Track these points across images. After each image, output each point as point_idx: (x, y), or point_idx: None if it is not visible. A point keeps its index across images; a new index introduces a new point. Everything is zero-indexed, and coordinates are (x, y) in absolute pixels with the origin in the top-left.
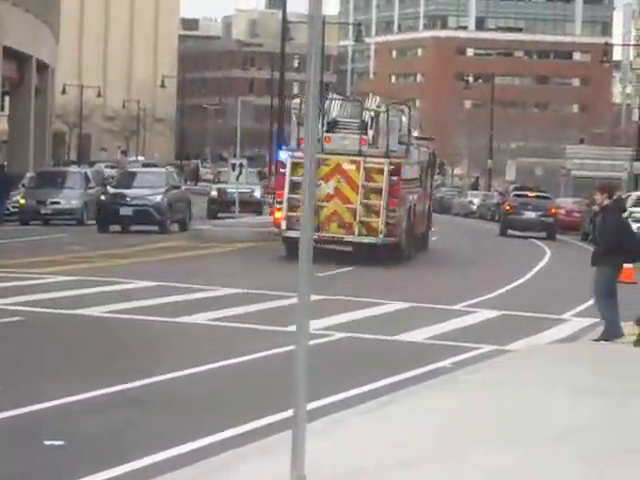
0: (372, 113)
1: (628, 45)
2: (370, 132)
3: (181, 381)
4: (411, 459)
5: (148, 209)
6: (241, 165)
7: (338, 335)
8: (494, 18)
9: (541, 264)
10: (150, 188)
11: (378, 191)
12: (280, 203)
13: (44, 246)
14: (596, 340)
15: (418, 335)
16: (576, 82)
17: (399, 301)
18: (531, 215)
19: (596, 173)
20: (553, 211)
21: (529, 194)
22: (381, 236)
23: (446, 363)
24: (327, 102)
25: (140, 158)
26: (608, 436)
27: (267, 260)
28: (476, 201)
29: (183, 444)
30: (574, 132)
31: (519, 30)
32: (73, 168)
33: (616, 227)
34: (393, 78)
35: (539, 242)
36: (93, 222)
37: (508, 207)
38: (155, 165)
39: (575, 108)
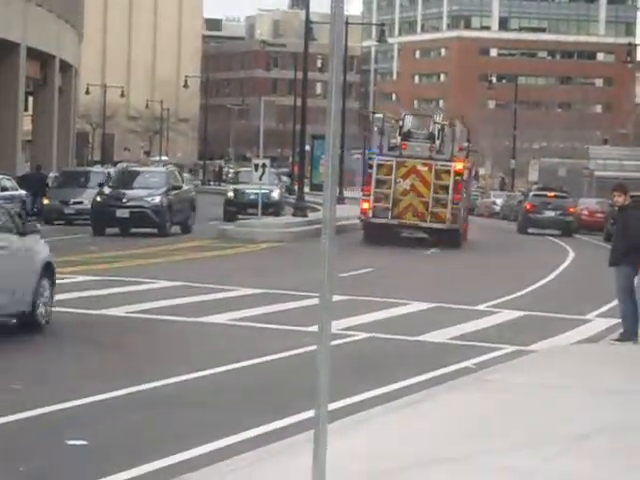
0: (438, 126)
1: None
2: (437, 141)
3: (208, 379)
4: (434, 459)
5: (145, 211)
6: (264, 165)
7: (361, 335)
8: (517, 18)
9: (564, 264)
10: (149, 188)
11: (445, 188)
12: (367, 196)
13: (64, 247)
14: (616, 340)
15: (441, 335)
16: (599, 82)
17: (422, 301)
18: (550, 214)
19: (619, 173)
20: (571, 210)
21: (548, 194)
22: (448, 223)
23: (469, 363)
24: (402, 117)
25: (164, 158)
26: (634, 436)
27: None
28: (499, 202)
29: (209, 442)
30: (597, 132)
31: (542, 30)
32: (96, 168)
33: (639, 226)
34: (416, 78)
35: (562, 242)
36: None
37: (529, 206)
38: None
39: (598, 108)
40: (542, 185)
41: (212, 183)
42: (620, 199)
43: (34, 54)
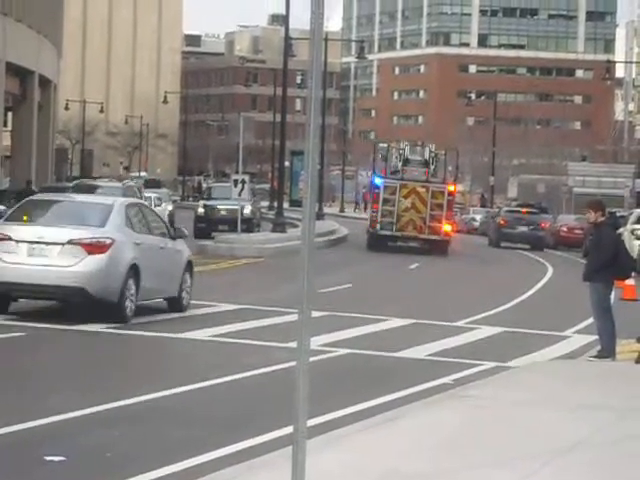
0: (433, 154)
1: (631, 62)
2: (432, 167)
3: (186, 396)
4: (411, 476)
5: None
6: (243, 181)
7: (340, 351)
8: (497, 35)
9: (543, 281)
10: None
11: (440, 206)
12: (375, 212)
13: None
14: (594, 357)
15: (420, 352)
16: (578, 99)
17: (402, 317)
18: (523, 229)
19: (598, 190)
20: (543, 225)
21: (521, 210)
22: (441, 236)
23: (447, 380)
24: (403, 147)
25: (143, 174)
26: (612, 452)
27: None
28: (479, 218)
29: (187, 459)
30: (576, 149)
31: (522, 47)
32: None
33: (613, 243)
34: (396, 94)
35: (540, 259)
36: None
37: (503, 221)
38: (157, 181)
39: (577, 125)
40: (521, 202)
41: (191, 199)
42: (592, 216)
43: (13, 69)
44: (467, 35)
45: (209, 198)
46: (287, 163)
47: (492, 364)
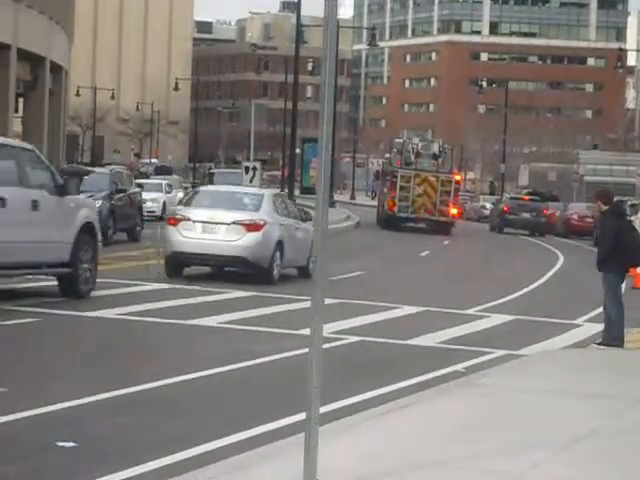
0: (441, 148)
1: None
2: (440, 159)
3: (195, 383)
4: (421, 463)
5: None
6: (254, 168)
7: (351, 339)
8: (508, 23)
9: (554, 269)
10: (88, 192)
11: (448, 193)
12: (393, 198)
13: None
14: (599, 343)
15: (431, 339)
16: (590, 87)
17: (413, 305)
18: (526, 215)
19: (609, 178)
20: (545, 212)
21: (524, 197)
22: (449, 217)
23: (458, 368)
24: (417, 142)
25: (154, 160)
26: (621, 441)
27: None
28: (489, 206)
29: (197, 445)
30: (587, 137)
31: (533, 35)
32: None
33: (615, 233)
34: (407, 82)
35: (551, 247)
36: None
37: (506, 208)
38: (168, 168)
39: (589, 113)
40: (531, 189)
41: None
42: (599, 206)
43: (24, 56)
44: (478, 23)
45: (213, 184)
46: (298, 150)
47: (503, 352)
